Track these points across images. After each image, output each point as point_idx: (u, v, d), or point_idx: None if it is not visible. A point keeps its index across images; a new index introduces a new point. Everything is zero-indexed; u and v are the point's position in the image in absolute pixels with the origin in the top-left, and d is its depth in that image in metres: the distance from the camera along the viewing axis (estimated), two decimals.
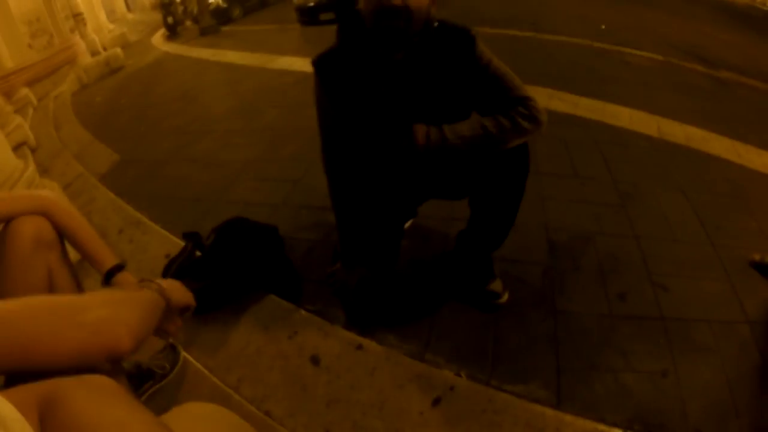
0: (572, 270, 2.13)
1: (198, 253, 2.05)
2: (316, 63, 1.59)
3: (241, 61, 7.10)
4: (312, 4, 9.55)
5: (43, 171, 3.54)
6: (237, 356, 1.75)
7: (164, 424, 0.72)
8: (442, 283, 2.04)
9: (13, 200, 1.20)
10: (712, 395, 1.61)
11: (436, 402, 1.53)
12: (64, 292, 1.19)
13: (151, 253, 2.36)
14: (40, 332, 0.73)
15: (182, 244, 2.17)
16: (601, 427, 1.46)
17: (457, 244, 1.96)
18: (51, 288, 1.17)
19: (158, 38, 11.54)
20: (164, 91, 6.22)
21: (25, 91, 5.66)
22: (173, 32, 11.75)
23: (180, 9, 12.78)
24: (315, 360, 1.71)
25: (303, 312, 1.92)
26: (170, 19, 11.81)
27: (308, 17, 9.68)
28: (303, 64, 5.82)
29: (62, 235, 1.26)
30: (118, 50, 8.39)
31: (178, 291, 1.19)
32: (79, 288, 1.29)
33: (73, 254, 1.32)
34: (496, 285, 1.93)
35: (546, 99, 4.13)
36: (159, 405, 1.51)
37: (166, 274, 2.00)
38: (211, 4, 12.06)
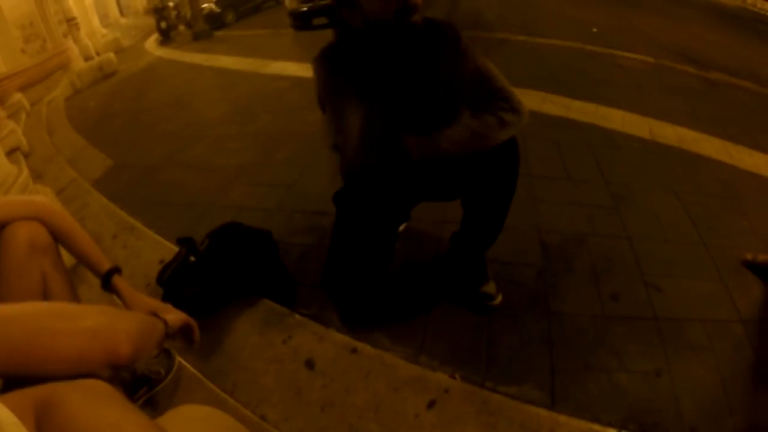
0: (565, 271, 2.14)
1: (192, 259, 2.05)
2: (319, 56, 1.62)
3: (235, 66, 7.10)
4: (305, 9, 9.56)
5: (37, 176, 3.52)
6: (232, 361, 1.75)
7: (159, 427, 0.72)
8: (435, 285, 2.05)
9: (8, 205, 1.20)
10: (706, 394, 1.62)
11: (431, 404, 1.53)
12: (59, 297, 1.20)
13: (145, 259, 2.36)
14: (39, 336, 0.74)
15: (176, 249, 2.17)
16: (596, 427, 1.47)
17: (451, 245, 1.96)
18: (45, 293, 1.17)
19: (151, 43, 11.52)
20: (157, 96, 6.21)
21: (18, 96, 5.64)
22: (166, 37, 11.74)
23: (173, 14, 12.77)
24: (310, 364, 1.71)
25: (297, 316, 1.92)
26: (163, 24, 11.80)
27: (301, 22, 9.68)
28: (296, 69, 5.83)
29: (58, 239, 1.27)
30: (112, 55, 8.38)
31: (171, 312, 1.23)
32: (73, 293, 1.30)
33: (66, 260, 1.32)
34: (490, 287, 1.94)
35: (538, 102, 4.15)
36: (154, 410, 1.51)
37: (160, 279, 2.00)
38: (204, 8, 12.07)
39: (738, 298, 2.03)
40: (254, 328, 1.87)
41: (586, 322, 1.88)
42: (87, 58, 8.15)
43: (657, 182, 2.94)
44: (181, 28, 12.89)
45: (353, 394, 1.59)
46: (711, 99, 5.00)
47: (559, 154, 3.24)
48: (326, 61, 1.62)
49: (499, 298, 1.94)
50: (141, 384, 1.55)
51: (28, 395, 0.68)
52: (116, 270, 1.35)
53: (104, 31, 10.94)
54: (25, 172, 2.98)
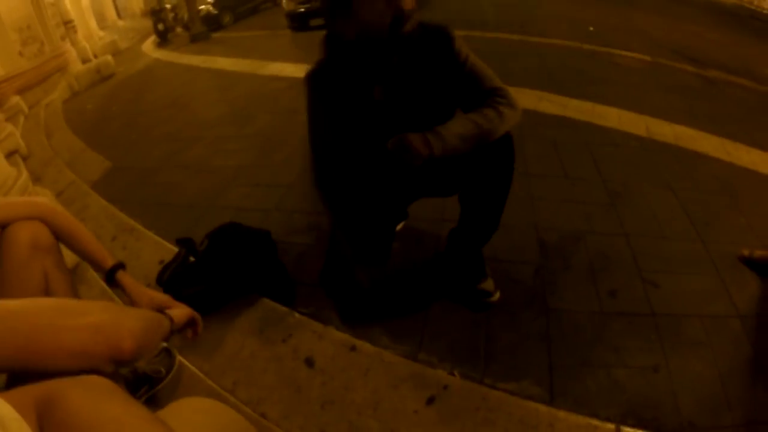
0: (563, 269, 2.15)
1: (191, 259, 2.06)
2: (309, 79, 1.62)
3: (232, 67, 7.10)
4: (302, 10, 9.58)
5: (36, 179, 3.53)
6: (232, 359, 1.76)
7: (160, 420, 0.73)
8: (434, 282, 2.06)
9: (10, 206, 1.21)
10: (704, 388, 1.63)
11: (431, 401, 1.54)
12: (60, 296, 1.20)
13: (144, 260, 2.36)
14: (44, 331, 0.74)
15: (176, 250, 2.18)
16: (595, 422, 1.48)
17: (449, 242, 1.97)
18: (47, 293, 1.18)
19: (149, 45, 11.53)
20: (155, 98, 6.22)
21: (15, 99, 5.64)
22: (164, 39, 11.75)
23: (170, 16, 12.78)
24: (309, 362, 1.72)
25: (297, 315, 1.93)
26: (161, 26, 11.81)
27: (299, 23, 9.71)
28: (294, 70, 5.84)
29: (60, 238, 1.28)
30: (109, 57, 8.39)
31: (177, 307, 1.24)
32: (74, 293, 1.31)
33: (67, 260, 1.33)
34: (488, 284, 1.95)
35: (535, 101, 4.16)
36: (155, 409, 1.51)
37: (160, 280, 2.00)
38: (201, 10, 12.06)
39: (735, 294, 2.04)
40: (254, 327, 1.88)
41: (584, 318, 1.89)
42: (84, 61, 8.15)
43: (654, 180, 2.95)
44: (179, 30, 12.89)
45: (353, 391, 1.60)
46: (708, 97, 5.00)
47: (557, 153, 3.25)
48: (314, 86, 1.62)
49: (497, 295, 1.95)
50: (142, 383, 1.55)
51: (29, 392, 0.68)
52: (120, 265, 1.37)
53: (101, 33, 10.94)
54: (25, 174, 2.99)
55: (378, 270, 1.98)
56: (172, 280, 1.96)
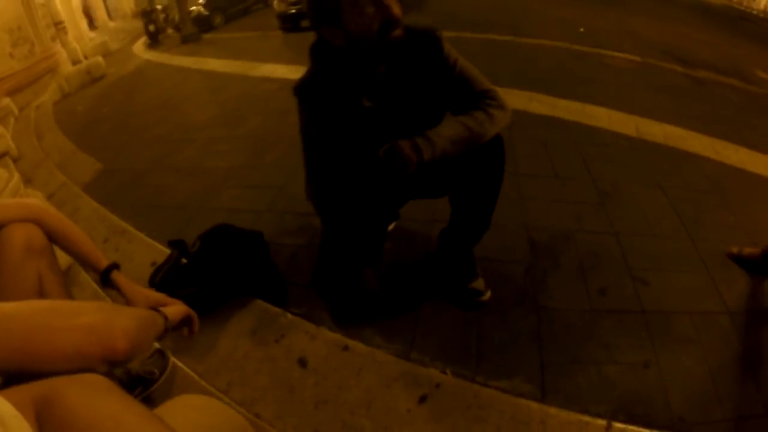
0: (553, 267, 2.17)
1: (184, 261, 2.06)
2: (298, 91, 1.62)
3: (223, 68, 7.09)
4: (294, 11, 9.58)
5: (26, 181, 3.50)
6: (225, 360, 1.76)
7: (157, 417, 0.74)
8: (425, 282, 2.07)
9: (4, 208, 1.21)
10: (694, 384, 1.65)
11: (423, 399, 1.55)
12: (54, 298, 1.20)
13: (136, 262, 2.36)
14: (38, 333, 0.74)
15: (168, 251, 2.18)
16: (586, 418, 1.49)
17: (440, 242, 1.99)
18: (41, 294, 1.18)
19: (139, 46, 11.46)
20: (146, 100, 6.19)
21: (6, 101, 5.58)
22: (155, 40, 11.69)
23: (161, 17, 12.72)
24: (302, 362, 1.72)
25: (289, 315, 1.94)
26: (152, 27, 11.75)
27: (290, 24, 9.71)
28: (286, 71, 5.84)
29: (54, 240, 1.28)
30: (100, 59, 8.32)
31: (172, 305, 1.24)
32: (68, 295, 1.31)
33: (60, 262, 1.33)
34: (479, 283, 1.96)
35: (525, 101, 4.19)
36: (150, 408, 1.51)
37: (152, 281, 2.00)
38: (192, 11, 12.03)
39: (725, 291, 2.07)
40: (247, 328, 1.88)
41: (574, 316, 1.91)
42: (75, 62, 8.08)
43: (644, 179, 2.98)
44: (170, 31, 12.84)
45: (346, 390, 1.60)
46: (697, 97, 5.06)
47: (547, 153, 3.27)
48: (303, 99, 1.62)
49: (488, 294, 1.96)
50: (136, 384, 1.55)
51: (27, 390, 0.69)
52: (115, 266, 1.37)
53: (92, 34, 10.87)
54: (16, 176, 2.97)
55: (370, 271, 1.98)
56: (165, 282, 1.96)
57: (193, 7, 12.33)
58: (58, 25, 7.99)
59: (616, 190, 2.81)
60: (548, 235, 2.38)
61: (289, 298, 2.06)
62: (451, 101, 1.60)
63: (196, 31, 11.06)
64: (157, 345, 1.67)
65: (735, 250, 2.26)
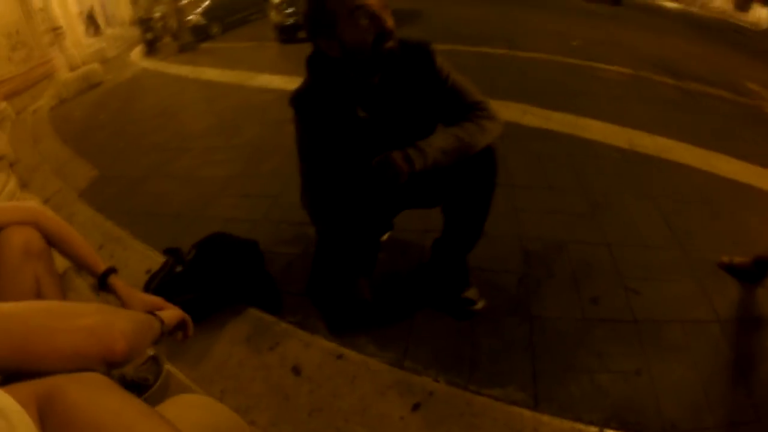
0: (546, 277, 2.18)
1: (179, 268, 2.06)
2: (295, 101, 1.64)
3: (220, 78, 7.09)
4: (291, 22, 9.61)
5: (22, 185, 3.51)
6: (220, 368, 1.77)
7: (158, 413, 0.75)
8: (418, 291, 2.08)
9: (2, 210, 1.22)
10: (686, 391, 1.67)
11: (416, 407, 1.56)
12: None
13: (132, 269, 2.36)
14: (38, 333, 0.75)
15: (163, 259, 2.18)
16: (579, 426, 1.51)
17: (433, 252, 2.01)
18: (39, 297, 1.19)
19: (137, 54, 11.47)
20: (143, 108, 6.20)
21: (3, 105, 5.60)
22: (152, 48, 11.69)
23: (159, 25, 12.72)
24: (296, 370, 1.73)
25: (284, 324, 1.95)
26: (149, 35, 11.76)
27: (287, 35, 9.72)
28: (282, 82, 5.85)
29: (52, 243, 1.29)
30: (97, 65, 8.35)
31: (167, 309, 1.25)
32: (64, 298, 1.31)
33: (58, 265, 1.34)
34: (472, 293, 1.97)
35: (519, 114, 4.22)
36: None
37: (147, 289, 2.01)
38: (190, 20, 12.04)
39: (716, 300, 2.08)
40: (241, 336, 1.89)
41: (567, 325, 1.92)
42: (72, 68, 8.10)
43: (635, 190, 3.00)
44: (167, 39, 12.82)
45: (340, 398, 1.61)
46: (689, 109, 5.10)
47: (540, 165, 3.30)
48: (299, 110, 1.64)
49: (481, 303, 1.97)
50: (130, 390, 1.55)
51: (29, 388, 0.70)
52: (112, 270, 1.37)
53: (90, 40, 10.88)
54: (13, 180, 2.98)
55: (364, 281, 2.00)
56: (160, 289, 1.96)
57: (191, 16, 12.35)
58: (55, 30, 8.01)
59: (609, 201, 2.83)
60: (541, 246, 2.40)
61: (284, 306, 2.07)
62: (444, 112, 1.63)
63: (193, 40, 11.07)
64: (151, 351, 1.67)
65: (726, 259, 2.28)
